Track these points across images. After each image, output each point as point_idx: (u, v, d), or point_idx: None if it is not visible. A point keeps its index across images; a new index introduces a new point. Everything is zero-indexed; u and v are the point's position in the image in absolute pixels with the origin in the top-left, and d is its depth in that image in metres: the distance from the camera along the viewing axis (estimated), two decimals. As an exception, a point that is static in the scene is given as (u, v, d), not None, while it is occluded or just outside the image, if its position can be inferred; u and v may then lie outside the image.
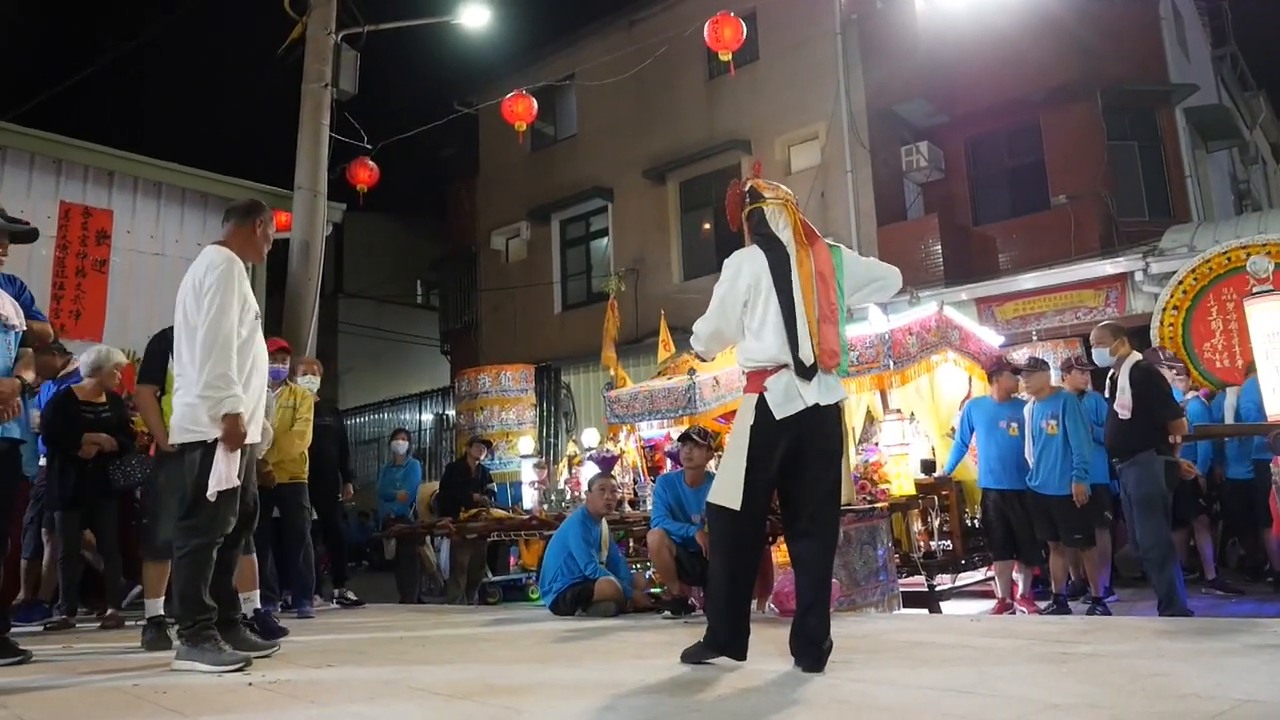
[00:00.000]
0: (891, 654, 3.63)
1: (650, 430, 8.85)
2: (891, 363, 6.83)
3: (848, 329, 3.56)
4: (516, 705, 2.71)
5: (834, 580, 5.28)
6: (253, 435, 3.81)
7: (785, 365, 3.29)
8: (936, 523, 7.20)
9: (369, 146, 10.07)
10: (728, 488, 3.27)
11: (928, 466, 7.30)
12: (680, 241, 15.69)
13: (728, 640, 3.31)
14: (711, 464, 5.87)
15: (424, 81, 24.55)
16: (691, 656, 3.37)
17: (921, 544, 6.99)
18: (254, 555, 4.72)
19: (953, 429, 7.60)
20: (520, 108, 9.53)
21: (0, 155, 7.95)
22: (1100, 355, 5.66)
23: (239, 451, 3.66)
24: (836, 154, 13.74)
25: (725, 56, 8.10)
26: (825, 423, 3.31)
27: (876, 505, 6.26)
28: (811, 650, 3.17)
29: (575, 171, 17.07)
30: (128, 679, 3.33)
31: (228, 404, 3.55)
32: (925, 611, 6.27)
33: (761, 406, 3.27)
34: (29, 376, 4.17)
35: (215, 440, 3.60)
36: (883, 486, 6.62)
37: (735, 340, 3.51)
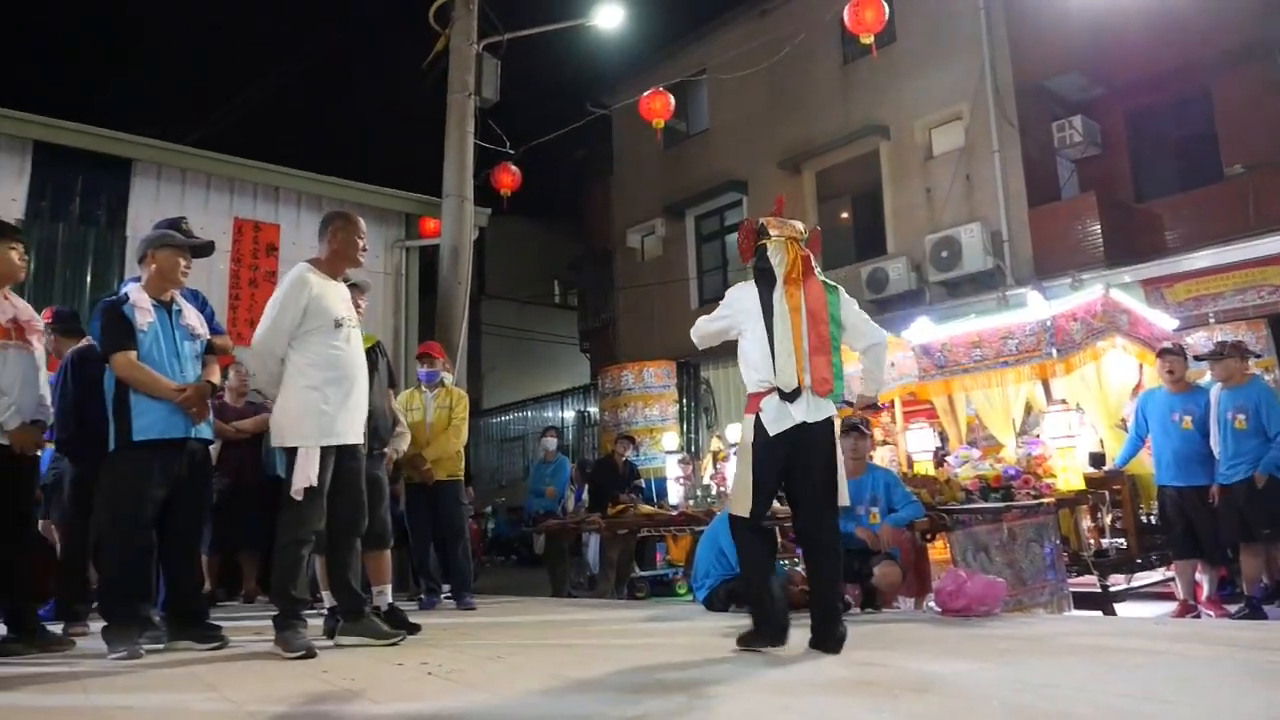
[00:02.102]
0: (1073, 658, 3.42)
1: (795, 424, 8.71)
2: (1054, 351, 6.51)
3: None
4: (689, 702, 2.70)
5: (999, 579, 5.09)
6: (349, 437, 4.03)
7: (776, 388, 3.68)
8: (1108, 519, 6.81)
9: (510, 151, 10.33)
10: (740, 499, 3.71)
11: (1096, 460, 6.91)
12: (817, 232, 15.42)
13: (770, 631, 3.60)
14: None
15: (557, 84, 25.04)
16: (744, 642, 3.65)
17: (1092, 541, 6.63)
18: (387, 551, 4.89)
19: (1123, 420, 7.16)
20: (658, 105, 9.58)
21: (181, 177, 8.59)
22: None
23: (315, 454, 3.86)
24: (982, 134, 13.18)
25: (867, 39, 7.84)
26: (816, 437, 3.68)
27: (1042, 500, 5.97)
28: (827, 630, 3.51)
29: (709, 166, 17.03)
30: (315, 665, 3.54)
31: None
32: (1098, 613, 5.93)
33: (758, 425, 3.70)
34: (216, 380, 4.48)
35: (294, 446, 3.89)
36: (1047, 481, 6.31)
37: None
